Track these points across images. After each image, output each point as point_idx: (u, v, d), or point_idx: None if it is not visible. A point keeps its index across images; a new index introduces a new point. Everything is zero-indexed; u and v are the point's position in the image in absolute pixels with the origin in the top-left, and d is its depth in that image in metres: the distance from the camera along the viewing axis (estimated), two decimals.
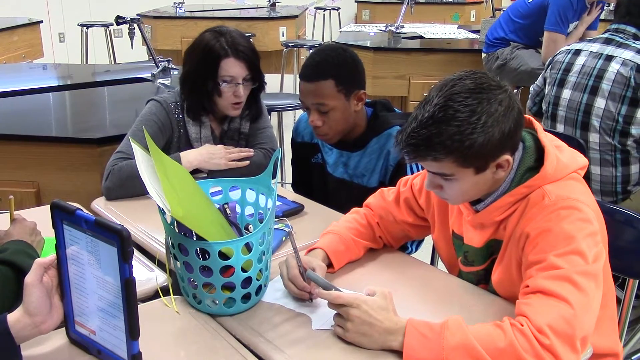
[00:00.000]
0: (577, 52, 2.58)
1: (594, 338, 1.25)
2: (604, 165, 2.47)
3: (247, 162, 2.10)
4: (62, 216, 1.12)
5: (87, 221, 1.08)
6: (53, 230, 1.14)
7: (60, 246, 1.14)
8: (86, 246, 1.10)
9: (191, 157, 2.05)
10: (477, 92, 1.23)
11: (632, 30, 2.46)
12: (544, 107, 2.72)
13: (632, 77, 2.34)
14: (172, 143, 2.12)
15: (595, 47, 2.51)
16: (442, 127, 1.22)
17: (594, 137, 2.45)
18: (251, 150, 2.14)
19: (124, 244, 1.04)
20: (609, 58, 2.42)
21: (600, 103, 2.41)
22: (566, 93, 2.55)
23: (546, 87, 2.71)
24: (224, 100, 2.06)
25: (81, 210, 1.10)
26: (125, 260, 1.05)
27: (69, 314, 1.18)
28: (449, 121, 1.22)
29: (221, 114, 2.14)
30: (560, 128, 2.59)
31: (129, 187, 1.95)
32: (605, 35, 2.52)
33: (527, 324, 1.14)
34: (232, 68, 2.02)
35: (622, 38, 2.45)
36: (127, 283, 1.06)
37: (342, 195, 2.06)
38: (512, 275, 1.35)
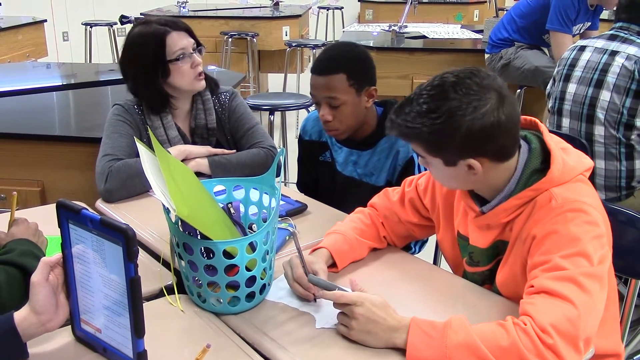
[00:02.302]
0: (582, 48, 2.62)
1: (596, 338, 1.25)
2: (608, 159, 2.49)
3: (234, 150, 2.15)
4: (67, 215, 1.13)
5: (92, 220, 1.09)
6: (59, 229, 1.15)
7: (66, 245, 1.14)
8: (92, 245, 1.11)
9: (182, 147, 2.08)
10: (467, 92, 1.25)
11: (637, 28, 2.49)
12: (550, 104, 2.73)
13: (637, 70, 2.38)
14: None
15: (600, 43, 2.55)
16: (417, 113, 1.27)
17: (599, 130, 2.47)
18: (232, 150, 2.16)
19: (129, 243, 1.05)
20: (614, 53, 2.46)
21: (605, 96, 2.44)
22: (572, 87, 2.58)
23: (554, 84, 2.73)
24: (186, 76, 2.07)
25: (87, 209, 1.11)
26: (130, 260, 1.05)
27: (75, 312, 1.19)
28: (424, 110, 1.27)
29: (183, 107, 2.15)
30: (565, 122, 2.61)
31: (130, 187, 1.95)
32: (610, 32, 2.56)
33: (530, 323, 1.14)
34: (180, 41, 2.05)
35: (626, 34, 2.49)
36: (133, 282, 1.07)
37: (350, 194, 2.06)
38: (517, 276, 1.36)
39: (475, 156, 1.28)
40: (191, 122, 2.18)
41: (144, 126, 2.11)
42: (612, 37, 2.52)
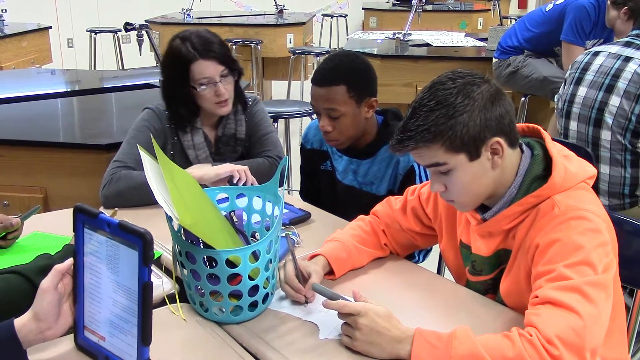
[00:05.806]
0: (596, 53, 2.60)
1: (602, 350, 1.24)
2: (613, 165, 2.47)
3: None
4: (84, 219, 1.13)
5: (110, 224, 1.09)
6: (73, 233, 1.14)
7: (78, 252, 1.14)
8: (106, 250, 1.11)
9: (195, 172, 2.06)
10: (457, 78, 1.29)
11: None
12: (559, 106, 2.71)
13: None
14: (166, 150, 2.09)
15: (615, 49, 2.54)
16: (426, 114, 1.27)
17: (605, 135, 2.46)
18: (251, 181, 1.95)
19: (146, 248, 1.05)
20: (628, 59, 2.45)
21: (614, 101, 2.43)
22: (582, 90, 2.58)
23: (564, 87, 2.72)
24: (208, 102, 2.05)
25: (104, 214, 1.12)
26: (145, 264, 1.06)
27: (80, 320, 1.18)
28: (431, 107, 1.27)
29: (212, 117, 2.14)
30: (573, 125, 2.60)
31: (127, 198, 1.94)
32: (626, 39, 2.55)
33: (536, 335, 1.13)
34: (206, 69, 2.00)
35: None
36: (145, 287, 1.07)
37: (350, 203, 2.05)
38: (521, 286, 1.35)
39: (496, 133, 1.28)
40: (218, 131, 2.17)
41: (171, 131, 2.10)
42: (628, 44, 2.51)
